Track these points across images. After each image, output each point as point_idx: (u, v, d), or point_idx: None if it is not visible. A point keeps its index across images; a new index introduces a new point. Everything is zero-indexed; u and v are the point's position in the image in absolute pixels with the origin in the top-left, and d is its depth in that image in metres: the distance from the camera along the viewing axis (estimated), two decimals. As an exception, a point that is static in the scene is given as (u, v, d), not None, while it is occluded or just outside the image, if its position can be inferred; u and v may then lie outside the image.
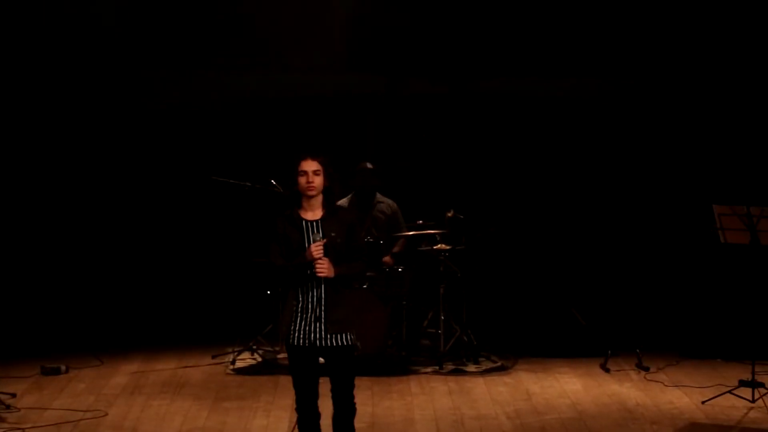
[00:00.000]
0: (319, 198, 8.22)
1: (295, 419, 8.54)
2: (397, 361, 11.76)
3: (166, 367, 12.02)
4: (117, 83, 14.12)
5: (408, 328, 11.96)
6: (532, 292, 13.41)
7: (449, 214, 12.03)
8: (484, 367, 11.81)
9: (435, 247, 11.95)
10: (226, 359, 12.15)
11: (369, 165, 12.24)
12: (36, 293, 13.62)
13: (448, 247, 11.95)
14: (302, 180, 8.16)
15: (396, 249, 12.38)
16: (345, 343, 8.15)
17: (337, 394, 8.20)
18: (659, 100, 14.07)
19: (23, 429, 9.78)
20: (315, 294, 8.12)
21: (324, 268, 8.01)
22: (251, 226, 12.74)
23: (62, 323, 13.49)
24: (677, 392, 10.84)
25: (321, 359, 8.11)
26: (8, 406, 10.36)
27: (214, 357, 12.28)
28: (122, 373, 11.78)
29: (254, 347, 12.23)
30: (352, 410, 8.24)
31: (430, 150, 14.23)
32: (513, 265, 13.86)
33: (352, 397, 8.24)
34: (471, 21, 14.14)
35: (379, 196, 12.28)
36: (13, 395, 10.65)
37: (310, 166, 8.16)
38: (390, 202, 12.36)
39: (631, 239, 13.92)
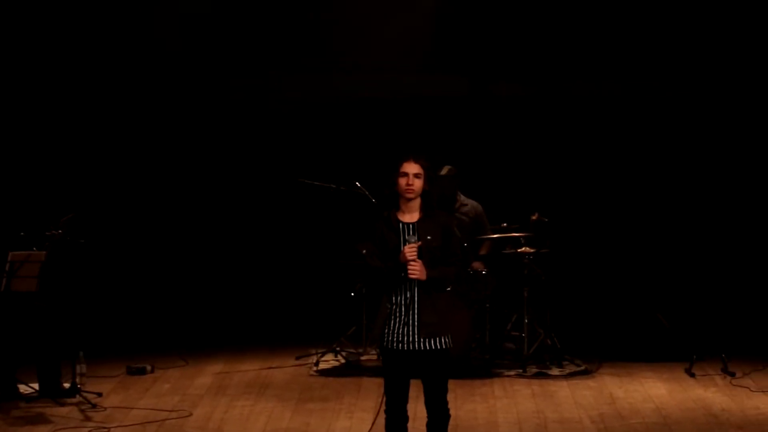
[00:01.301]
0: (418, 201, 8.15)
1: (373, 420, 8.60)
2: (481, 364, 11.75)
3: (250, 368, 12.07)
4: (211, 88, 14.27)
5: (491, 331, 11.97)
6: (616, 295, 13.33)
7: (534, 217, 11.99)
8: (567, 371, 11.80)
9: (519, 250, 11.93)
10: (310, 361, 12.19)
11: (447, 169, 12.20)
12: (124, 294, 13.77)
13: (532, 250, 11.92)
14: (402, 181, 8.09)
15: (482, 251, 12.38)
16: (438, 347, 8.08)
17: (431, 399, 8.15)
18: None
19: (109, 428, 9.86)
20: (407, 297, 8.07)
21: (416, 270, 7.95)
22: (337, 228, 12.82)
23: (148, 324, 13.62)
24: (764, 398, 10.75)
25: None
26: (94, 406, 10.46)
27: (297, 358, 12.33)
28: (207, 374, 11.86)
29: (338, 349, 12.26)
30: (446, 415, 8.19)
31: (516, 152, 14.20)
32: (597, 268, 13.78)
33: (446, 402, 8.18)
34: (552, 23, 14.13)
35: (463, 198, 12.27)
36: (100, 395, 10.78)
37: (411, 168, 8.09)
38: (474, 203, 12.34)
39: (718, 242, 13.84)
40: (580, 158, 14.20)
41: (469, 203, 12.31)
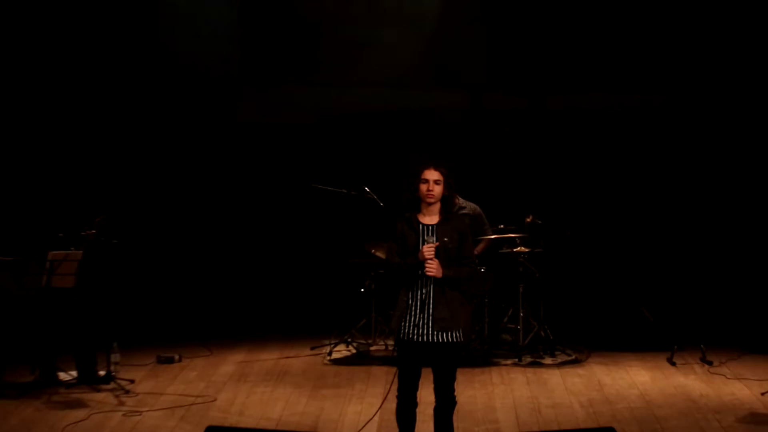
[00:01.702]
0: (438, 205, 8.18)
1: (381, 402, 8.55)
2: (480, 354, 11.71)
3: (269, 357, 12.05)
4: (229, 100, 14.29)
5: (490, 323, 11.94)
6: (604, 290, 13.32)
7: (528, 220, 12.00)
8: (559, 360, 11.76)
9: (515, 250, 11.93)
10: (324, 351, 12.15)
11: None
12: (154, 289, 13.77)
13: (527, 250, 11.93)
14: (423, 187, 8.13)
15: (477, 249, 12.30)
16: (450, 340, 8.11)
17: (440, 387, 8.18)
18: (715, 112, 14.01)
19: (140, 412, 9.87)
20: (423, 293, 8.07)
21: (433, 268, 7.97)
22: (347, 229, 12.80)
23: (176, 316, 13.63)
24: (738, 384, 10.71)
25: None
26: (128, 392, 10.48)
27: (312, 348, 12.28)
28: (230, 363, 11.84)
29: (349, 340, 12.24)
30: (452, 403, 8.22)
31: (511, 160, 14.17)
32: (587, 266, 13.79)
33: (453, 390, 8.21)
34: (546, 39, 14.14)
35: (461, 201, 12.18)
36: (132, 381, 10.77)
37: (432, 175, 8.13)
38: (473, 206, 12.26)
39: (696, 243, 13.84)
40: (570, 165, 14.21)
41: (467, 205, 12.23)
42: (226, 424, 9.36)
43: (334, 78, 14.22)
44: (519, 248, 11.90)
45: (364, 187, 11.99)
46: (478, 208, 12.26)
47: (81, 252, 10.47)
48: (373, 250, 11.78)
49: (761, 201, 10.74)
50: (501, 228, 12.06)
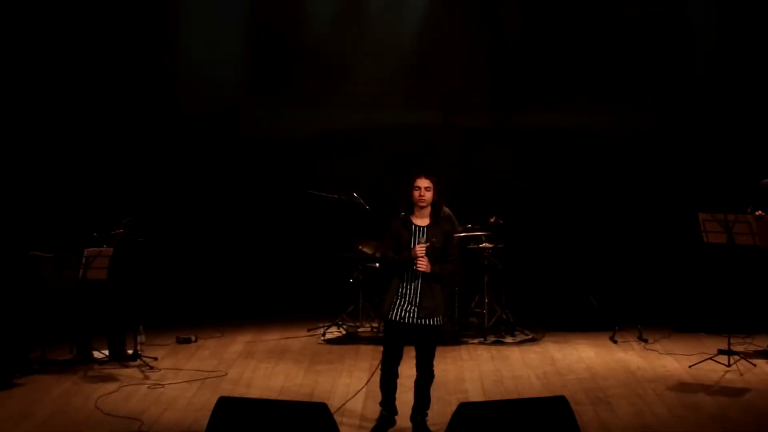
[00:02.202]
0: (429, 209, 8.26)
1: (370, 376, 8.69)
2: (451, 334, 11.71)
3: (272, 338, 12.03)
4: (237, 122, 14.36)
5: (459, 308, 11.94)
6: (556, 280, 13.31)
7: (492, 220, 11.96)
8: (518, 339, 11.75)
9: (481, 246, 11.90)
10: (318, 332, 12.15)
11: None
12: (174, 280, 13.72)
13: (491, 246, 11.89)
14: (416, 193, 8.21)
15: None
16: (432, 323, 8.22)
17: (421, 363, 8.30)
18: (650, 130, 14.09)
19: (163, 385, 9.92)
20: (413, 284, 8.18)
21: (423, 264, 8.09)
22: (338, 228, 12.85)
23: (193, 303, 13.60)
24: (669, 359, 10.81)
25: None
26: (152, 367, 10.53)
27: (309, 330, 12.28)
28: (238, 342, 11.82)
29: (340, 323, 12.21)
30: (431, 376, 8.34)
31: (478, 172, 14.24)
32: (542, 259, 13.80)
33: (432, 366, 8.33)
34: (517, 61, 14.11)
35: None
36: (156, 359, 10.81)
37: (423, 183, 8.22)
38: (445, 209, 12.27)
39: (633, 240, 13.87)
40: (528, 173, 14.21)
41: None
42: (236, 394, 9.35)
43: (324, 99, 14.23)
44: (484, 244, 11.87)
45: (353, 192, 12.01)
46: (448, 210, 12.33)
47: (112, 249, 10.42)
48: (360, 247, 11.66)
49: (689, 206, 10.79)
50: (469, 227, 12.06)
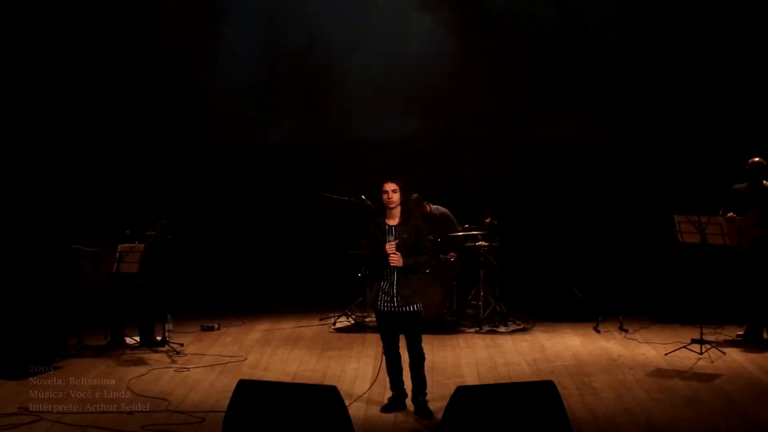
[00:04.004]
0: (399, 209, 8.36)
1: (380, 364, 8.72)
2: (449, 324, 11.73)
3: (287, 327, 12.03)
4: (252, 136, 14.37)
5: (457, 301, 11.96)
6: (545, 275, 13.27)
7: (487, 221, 11.99)
8: (511, 329, 11.72)
9: (477, 244, 11.90)
10: (329, 321, 12.15)
11: (414, 196, 11.95)
12: (199, 274, 13.75)
13: (486, 244, 11.88)
14: (384, 197, 8.34)
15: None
16: (412, 310, 8.32)
17: (410, 346, 8.39)
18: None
19: (188, 368, 9.94)
20: (390, 278, 8.31)
21: (395, 259, 8.21)
22: (347, 227, 12.84)
23: (216, 294, 13.58)
24: (648, 347, 10.79)
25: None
26: (178, 353, 10.54)
27: (320, 320, 12.28)
28: (257, 330, 11.83)
29: (349, 313, 12.22)
30: (421, 357, 8.39)
31: (476, 176, 14.25)
32: (532, 256, 13.74)
33: (421, 348, 8.38)
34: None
35: (433, 207, 12.16)
36: (182, 345, 10.83)
37: (389, 186, 8.34)
38: (443, 210, 12.25)
39: (616, 239, 13.84)
40: (522, 177, 14.22)
41: (437, 210, 12.25)
42: (254, 377, 9.36)
43: (337, 112, 14.26)
44: (480, 242, 11.87)
45: (361, 195, 12.00)
46: (447, 211, 12.26)
47: (143, 245, 10.45)
48: (364, 244, 11.66)
49: (666, 209, 10.78)
50: (466, 227, 12.10)
